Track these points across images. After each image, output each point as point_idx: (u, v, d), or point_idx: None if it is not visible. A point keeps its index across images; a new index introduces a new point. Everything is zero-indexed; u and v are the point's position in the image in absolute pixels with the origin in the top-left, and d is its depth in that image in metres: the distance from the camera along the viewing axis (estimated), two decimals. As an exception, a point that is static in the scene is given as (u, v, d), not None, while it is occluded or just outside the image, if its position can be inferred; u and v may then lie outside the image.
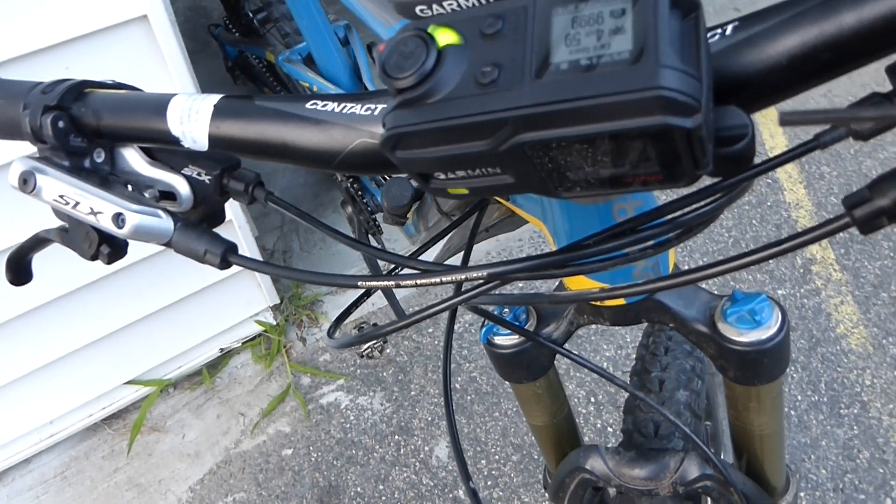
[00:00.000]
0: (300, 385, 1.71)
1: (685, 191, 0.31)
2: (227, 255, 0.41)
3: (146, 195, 0.43)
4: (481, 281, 0.37)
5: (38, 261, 0.51)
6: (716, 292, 0.55)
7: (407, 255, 0.42)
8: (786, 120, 0.25)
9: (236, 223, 1.53)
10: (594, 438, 1.48)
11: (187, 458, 1.61)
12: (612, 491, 0.67)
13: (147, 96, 0.42)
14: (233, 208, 1.50)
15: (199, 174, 0.44)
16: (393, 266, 0.46)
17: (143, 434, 1.67)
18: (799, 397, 1.49)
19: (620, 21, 0.26)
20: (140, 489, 1.57)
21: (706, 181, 0.31)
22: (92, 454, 1.65)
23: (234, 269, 0.42)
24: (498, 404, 1.59)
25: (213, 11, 2.92)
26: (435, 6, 0.30)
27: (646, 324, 0.64)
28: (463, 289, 0.40)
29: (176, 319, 1.63)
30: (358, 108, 0.35)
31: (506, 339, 0.61)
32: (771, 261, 0.31)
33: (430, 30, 0.29)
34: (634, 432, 0.69)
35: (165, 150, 0.44)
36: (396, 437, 1.57)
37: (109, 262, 0.44)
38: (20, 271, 0.52)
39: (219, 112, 0.39)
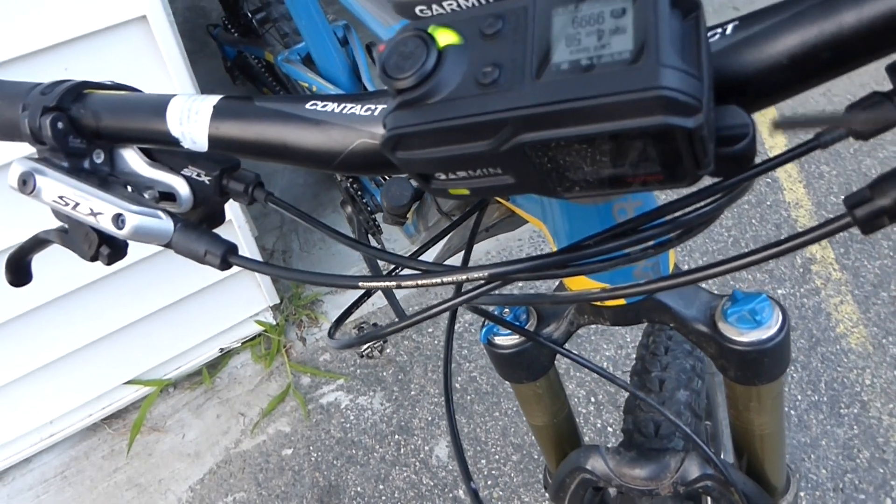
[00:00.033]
0: (300, 385, 1.71)
1: (685, 191, 0.31)
2: (227, 256, 0.41)
3: (146, 196, 0.43)
4: (482, 281, 0.37)
5: (38, 261, 0.51)
6: (716, 292, 0.55)
7: (407, 255, 0.42)
8: (779, 125, 0.25)
9: (236, 223, 1.53)
10: (594, 438, 1.48)
11: (187, 457, 1.61)
12: (612, 491, 0.67)
13: (146, 97, 0.42)
14: (232, 208, 1.50)
15: (198, 175, 0.43)
16: (393, 266, 0.46)
17: (143, 434, 1.67)
18: (799, 397, 1.49)
19: (621, 21, 0.26)
20: (140, 489, 1.57)
21: (706, 181, 0.31)
22: (92, 454, 1.65)
23: (234, 269, 0.42)
24: (498, 404, 1.59)
25: (211, 12, 2.91)
26: (434, 6, 0.30)
27: (646, 323, 0.64)
28: (464, 289, 0.39)
29: (176, 319, 1.63)
30: (358, 109, 0.35)
31: (506, 340, 0.61)
32: (771, 260, 0.30)
33: (430, 30, 0.29)
34: (635, 432, 0.69)
35: (165, 150, 0.44)
36: (396, 436, 1.57)
37: (109, 263, 0.44)
38: (20, 272, 0.52)
39: (218, 113, 0.39)
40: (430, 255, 0.56)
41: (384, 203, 0.59)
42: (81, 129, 0.42)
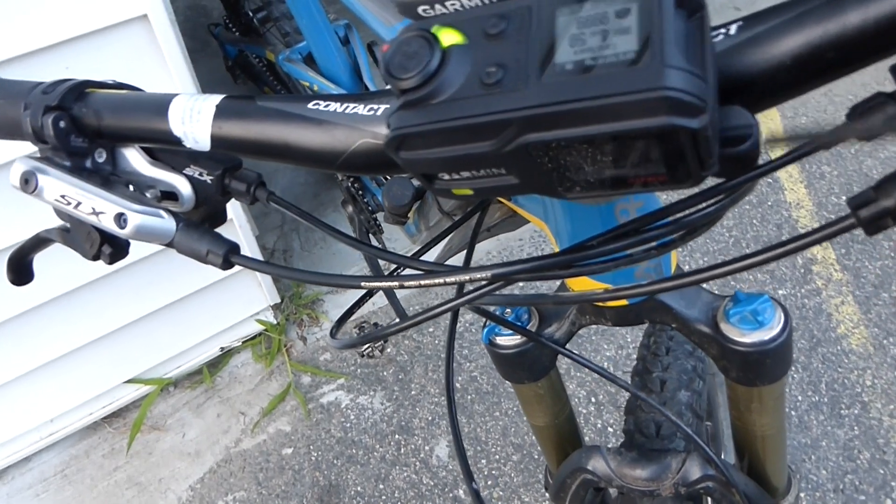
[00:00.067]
0: (300, 384, 1.71)
1: (688, 191, 0.31)
2: (229, 256, 0.41)
3: (148, 195, 0.43)
4: (485, 282, 0.37)
5: (39, 260, 0.51)
6: (717, 293, 0.55)
7: (408, 254, 0.42)
8: (771, 141, 0.25)
9: (237, 222, 1.53)
10: (595, 439, 1.48)
11: (187, 456, 1.61)
12: (613, 492, 0.67)
13: (148, 96, 0.42)
14: (233, 208, 1.50)
15: (200, 174, 0.43)
16: (394, 266, 0.46)
17: (144, 433, 1.67)
18: (800, 398, 1.49)
19: (625, 21, 0.25)
20: (140, 488, 1.57)
21: (709, 181, 0.31)
22: (92, 453, 1.65)
23: (235, 268, 0.42)
24: (498, 404, 1.58)
25: (212, 10, 2.91)
26: (437, 6, 0.30)
27: (647, 324, 0.64)
28: (466, 289, 0.39)
29: (176, 318, 1.63)
30: (361, 109, 0.35)
31: (508, 340, 0.61)
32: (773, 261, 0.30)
33: (433, 30, 0.29)
34: (636, 433, 0.69)
35: (167, 150, 0.44)
36: (397, 436, 1.57)
37: (111, 263, 0.44)
38: (21, 271, 0.52)
39: (221, 112, 0.38)
40: (431, 255, 0.56)
41: (385, 202, 0.59)
42: (83, 128, 0.42)
